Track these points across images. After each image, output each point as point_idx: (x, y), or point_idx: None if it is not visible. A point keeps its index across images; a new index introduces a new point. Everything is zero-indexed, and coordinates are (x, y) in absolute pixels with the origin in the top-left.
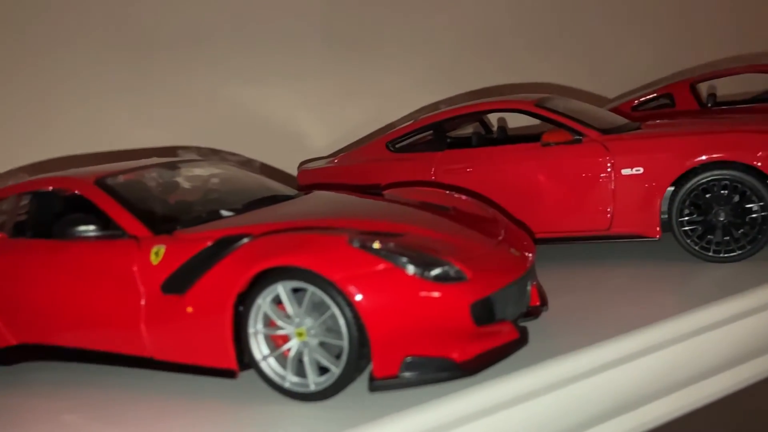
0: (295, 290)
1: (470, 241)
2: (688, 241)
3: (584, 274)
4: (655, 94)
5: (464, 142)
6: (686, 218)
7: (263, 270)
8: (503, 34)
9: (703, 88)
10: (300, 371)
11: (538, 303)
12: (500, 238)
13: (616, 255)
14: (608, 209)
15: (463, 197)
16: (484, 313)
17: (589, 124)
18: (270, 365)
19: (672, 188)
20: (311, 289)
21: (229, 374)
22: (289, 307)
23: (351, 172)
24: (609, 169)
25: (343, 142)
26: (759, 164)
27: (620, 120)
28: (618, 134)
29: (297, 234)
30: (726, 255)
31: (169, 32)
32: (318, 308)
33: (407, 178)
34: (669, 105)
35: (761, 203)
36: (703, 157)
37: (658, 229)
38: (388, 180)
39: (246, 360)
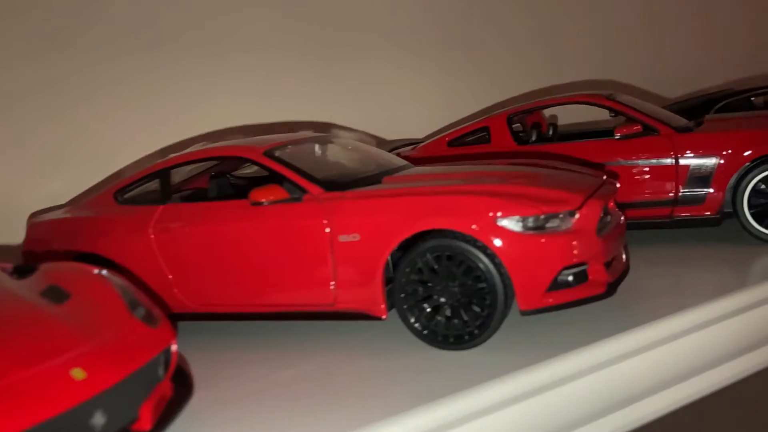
0: None
1: (12, 362)
2: (413, 320)
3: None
4: (471, 128)
5: (199, 195)
6: (410, 295)
7: None
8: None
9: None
10: None
11: (147, 427)
12: (77, 351)
13: (342, 338)
14: (331, 282)
15: (105, 280)
16: None
17: (315, 177)
18: None
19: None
20: None
21: None
22: None
23: (78, 226)
24: (327, 234)
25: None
26: (489, 235)
27: (386, 167)
28: (342, 192)
29: None
30: (454, 342)
31: None
32: None
33: (128, 236)
34: (486, 140)
35: (487, 280)
36: (419, 224)
37: (383, 306)
38: (113, 238)
39: None
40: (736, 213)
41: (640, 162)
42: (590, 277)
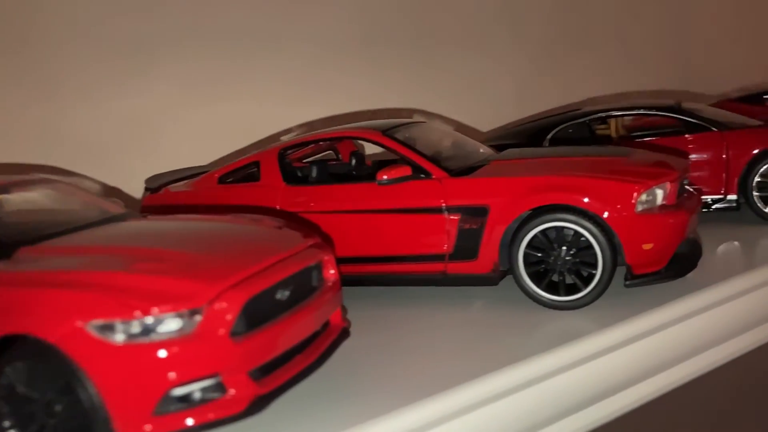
0: None
1: None
2: None
3: None
4: (242, 163)
5: None
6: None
7: None
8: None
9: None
10: None
11: None
12: None
13: None
14: None
15: None
16: None
17: None
18: None
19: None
20: None
21: None
22: None
23: None
24: None
25: None
26: (75, 345)
27: (49, 231)
28: None
29: None
30: None
31: None
32: None
33: None
34: (256, 176)
35: (83, 401)
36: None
37: None
38: None
39: None
40: (512, 272)
41: (409, 210)
42: (229, 389)
